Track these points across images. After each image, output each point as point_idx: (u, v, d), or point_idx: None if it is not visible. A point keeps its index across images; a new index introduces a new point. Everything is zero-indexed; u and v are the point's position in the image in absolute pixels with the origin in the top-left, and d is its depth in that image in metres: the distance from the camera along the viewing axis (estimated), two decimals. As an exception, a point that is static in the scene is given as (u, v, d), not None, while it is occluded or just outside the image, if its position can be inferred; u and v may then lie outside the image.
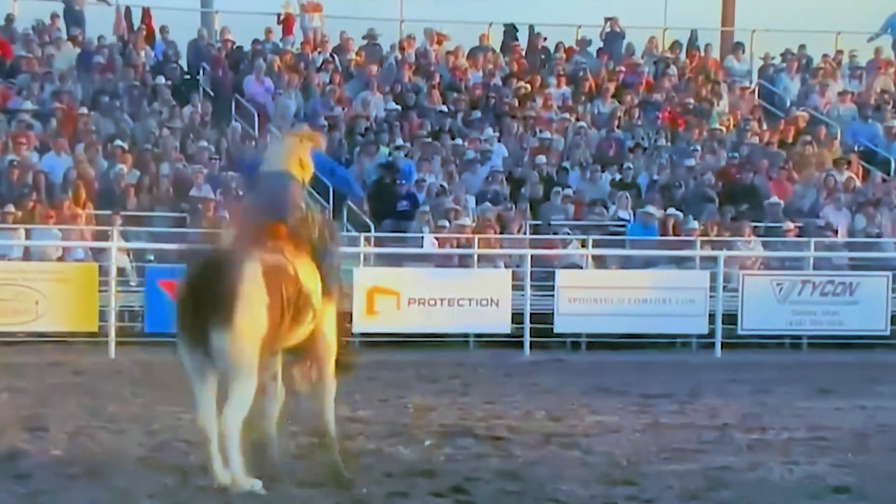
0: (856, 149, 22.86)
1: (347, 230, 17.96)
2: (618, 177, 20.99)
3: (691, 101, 23.60)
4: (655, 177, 21.04)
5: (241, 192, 9.05)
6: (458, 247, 18.64)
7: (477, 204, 19.83)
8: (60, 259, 17.42)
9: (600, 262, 18.70)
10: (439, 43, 24.46)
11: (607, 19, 25.50)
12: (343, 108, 22.10)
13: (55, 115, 20.41)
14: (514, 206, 19.69)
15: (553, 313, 17.66)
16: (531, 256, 17.74)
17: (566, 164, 21.28)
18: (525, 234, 19.32)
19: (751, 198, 20.62)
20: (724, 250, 18.47)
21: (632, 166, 21.11)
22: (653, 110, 23.25)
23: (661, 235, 19.19)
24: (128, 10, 24.06)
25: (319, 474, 8.75)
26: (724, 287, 17.91)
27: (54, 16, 23.28)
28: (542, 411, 11.96)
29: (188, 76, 23.06)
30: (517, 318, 17.47)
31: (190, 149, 20.39)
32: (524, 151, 21.53)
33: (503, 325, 17.57)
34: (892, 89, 24.71)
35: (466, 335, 17.76)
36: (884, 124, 23.29)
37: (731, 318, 17.88)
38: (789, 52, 25.34)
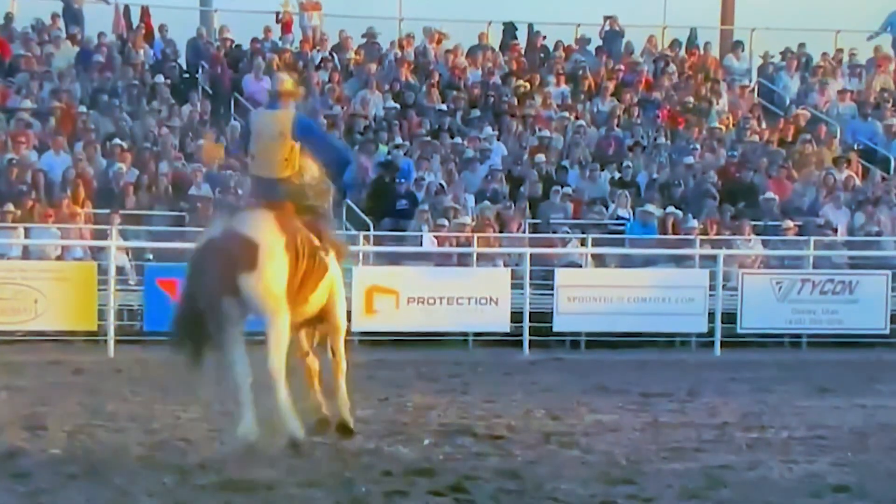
0: (855, 147, 22.88)
1: (347, 229, 17.95)
2: (617, 175, 20.99)
3: (691, 99, 23.60)
4: (655, 175, 21.05)
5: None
6: (457, 245, 18.64)
7: (476, 203, 19.83)
8: (59, 258, 17.42)
9: (600, 260, 18.70)
10: (438, 41, 24.46)
11: (606, 18, 25.50)
12: (342, 107, 22.10)
13: (54, 114, 20.41)
14: (513, 205, 19.69)
15: (552, 312, 17.66)
16: (530, 255, 17.74)
17: (565, 162, 21.28)
18: (524, 232, 19.32)
19: (750, 196, 20.62)
20: (723, 249, 18.47)
21: (631, 165, 21.11)
22: (652, 109, 23.25)
23: (661, 234, 19.19)
24: (127, 8, 24.06)
25: (323, 467, 8.78)
26: (723, 286, 17.91)
27: (54, 15, 23.27)
28: (541, 410, 11.95)
29: (187, 75, 23.07)
30: (516, 316, 17.46)
31: (189, 147, 20.40)
32: (523, 150, 21.53)
33: (502, 324, 17.57)
34: (892, 88, 24.72)
35: (466, 334, 17.75)
36: (883, 122, 23.31)
37: (730, 317, 17.88)
38: (789, 51, 25.34)
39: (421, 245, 18.55)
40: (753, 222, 19.59)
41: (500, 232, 19.06)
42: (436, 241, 18.59)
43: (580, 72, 24.01)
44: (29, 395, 12.27)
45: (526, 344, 17.34)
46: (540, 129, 22.07)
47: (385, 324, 17.17)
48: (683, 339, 18.17)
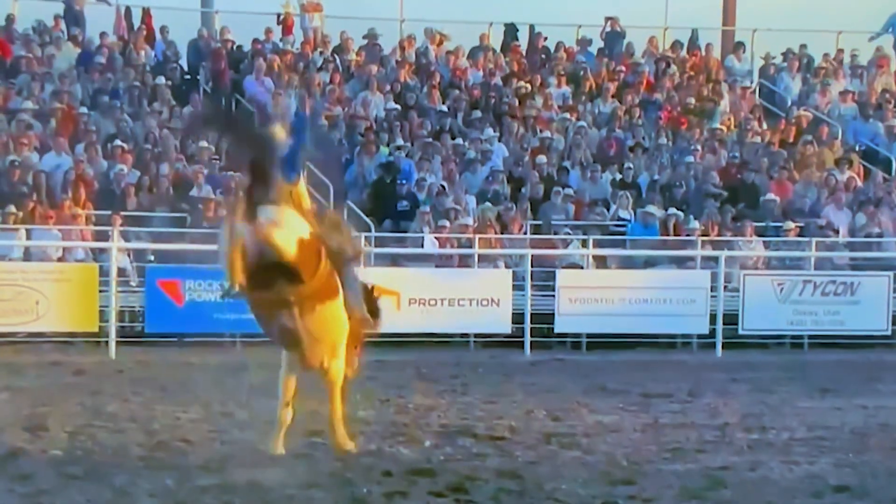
0: (857, 148, 22.86)
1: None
2: (618, 176, 20.98)
3: (692, 100, 23.58)
4: (656, 176, 21.04)
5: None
6: (458, 247, 18.63)
7: (477, 204, 19.81)
8: (61, 259, 17.41)
9: (601, 261, 18.69)
10: (440, 43, 24.45)
11: (608, 19, 25.48)
12: (343, 108, 22.08)
13: (55, 115, 20.39)
14: (514, 206, 19.67)
15: (553, 313, 17.66)
16: (531, 256, 17.74)
17: (567, 163, 21.27)
18: (525, 233, 19.31)
19: (751, 198, 20.62)
20: (724, 250, 18.46)
21: (632, 166, 21.10)
22: (653, 110, 23.24)
23: (662, 235, 19.19)
24: (128, 10, 24.05)
25: (323, 467, 8.78)
26: (724, 287, 17.90)
27: (55, 16, 23.26)
28: (542, 411, 11.97)
29: (188, 76, 23.04)
30: (517, 317, 17.46)
31: (190, 149, 20.38)
32: (524, 151, 21.52)
33: (504, 325, 17.57)
34: (894, 88, 24.68)
35: (467, 335, 17.74)
36: (885, 124, 23.29)
37: (731, 318, 17.87)
38: (790, 52, 25.31)
39: (422, 246, 18.54)
40: (755, 223, 19.57)
41: (502, 233, 19.05)
42: (437, 242, 18.59)
43: (581, 73, 24.00)
44: (30, 395, 12.28)
45: (527, 345, 17.33)
46: (541, 131, 22.06)
47: (386, 325, 17.10)
48: (685, 340, 18.17)
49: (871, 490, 8.80)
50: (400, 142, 21.12)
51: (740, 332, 17.96)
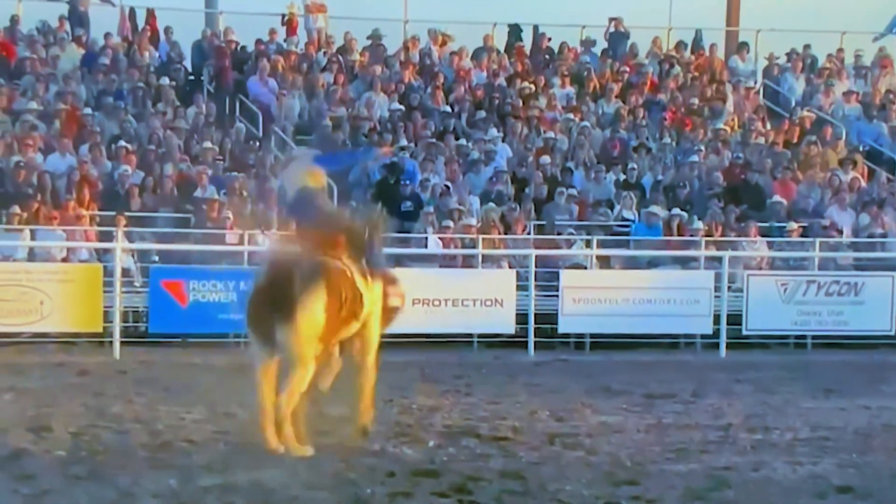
0: (861, 149, 22.85)
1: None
2: (622, 177, 20.98)
3: (696, 101, 23.57)
4: (660, 177, 21.04)
5: (287, 215, 10.76)
6: (462, 247, 18.63)
7: (481, 204, 19.81)
8: (65, 260, 17.42)
9: (605, 262, 18.68)
10: (443, 43, 24.46)
11: (611, 19, 25.48)
12: (347, 109, 22.10)
13: (59, 116, 20.43)
14: (518, 207, 19.67)
15: (557, 313, 17.64)
16: (535, 257, 17.73)
17: (570, 164, 21.27)
18: (529, 234, 19.31)
19: (755, 198, 20.61)
20: (728, 250, 18.45)
21: (636, 166, 21.10)
22: (657, 110, 23.24)
23: (666, 235, 19.18)
24: (132, 11, 24.08)
25: (327, 468, 8.79)
26: (728, 287, 17.88)
27: (59, 17, 23.29)
28: (545, 411, 11.96)
29: (192, 77, 23.07)
30: (521, 318, 17.45)
31: (194, 149, 20.41)
32: (528, 152, 21.53)
33: (507, 326, 17.56)
34: (898, 89, 24.69)
35: (470, 335, 17.73)
36: (889, 124, 23.29)
37: (735, 319, 17.84)
38: (794, 52, 25.32)
39: (426, 247, 18.54)
40: (758, 224, 19.57)
41: (505, 233, 19.05)
42: (440, 242, 18.59)
43: (585, 73, 24.01)
44: (34, 396, 12.28)
45: (531, 345, 17.33)
46: (545, 131, 22.07)
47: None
48: (688, 341, 18.16)
49: (875, 491, 8.80)
50: (404, 142, 21.14)
51: (744, 332, 17.94)
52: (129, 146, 19.82)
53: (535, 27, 25.47)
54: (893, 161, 22.47)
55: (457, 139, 21.60)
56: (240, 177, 19.40)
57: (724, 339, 17.57)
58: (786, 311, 18.03)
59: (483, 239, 18.44)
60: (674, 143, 22.31)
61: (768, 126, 23.38)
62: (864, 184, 21.43)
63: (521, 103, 22.81)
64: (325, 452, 9.47)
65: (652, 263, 18.76)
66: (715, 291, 17.78)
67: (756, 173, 21.16)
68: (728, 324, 17.65)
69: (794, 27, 26.24)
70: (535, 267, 17.62)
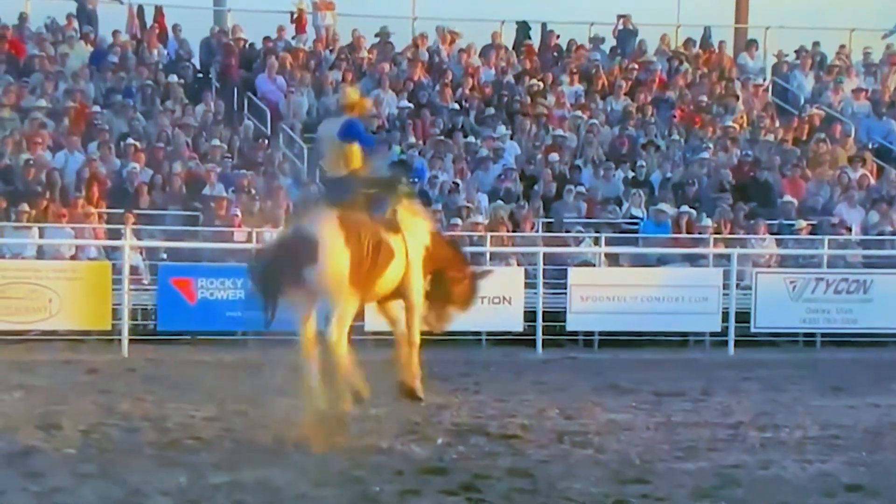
0: (870, 146, 22.81)
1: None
2: (631, 174, 20.96)
3: (704, 98, 23.54)
4: (668, 174, 21.01)
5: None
6: (470, 245, 18.59)
7: (489, 202, 19.82)
8: (74, 258, 17.45)
9: (613, 259, 18.67)
10: (452, 41, 24.45)
11: (620, 16, 25.46)
12: (355, 107, 22.05)
13: (68, 114, 20.45)
14: (526, 204, 19.66)
15: (565, 311, 17.63)
16: (544, 254, 17.71)
17: (579, 161, 21.26)
18: (538, 231, 19.31)
19: (764, 195, 20.58)
20: (737, 248, 18.43)
21: (645, 164, 21.09)
22: (666, 108, 23.21)
23: (675, 233, 19.16)
24: (140, 8, 24.10)
25: (335, 466, 8.78)
26: (737, 285, 17.86)
27: (68, 15, 23.32)
28: (554, 409, 11.96)
29: (200, 74, 23.09)
30: (530, 316, 17.43)
31: (202, 147, 20.43)
32: (537, 149, 21.51)
33: (516, 323, 17.55)
34: (906, 86, 24.64)
35: (479, 333, 17.71)
36: (898, 121, 23.24)
37: (744, 316, 17.82)
38: (803, 49, 25.27)
39: (434, 244, 18.50)
40: (767, 221, 19.54)
41: (514, 231, 19.04)
42: (449, 240, 18.56)
43: (594, 71, 23.99)
44: (43, 394, 12.31)
45: (539, 343, 17.32)
46: (553, 129, 22.05)
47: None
48: (697, 339, 18.13)
49: (884, 489, 8.79)
50: (412, 140, 21.14)
51: (753, 330, 17.91)
52: (137, 144, 19.85)
53: (544, 24, 25.45)
54: (902, 158, 22.43)
55: (465, 137, 21.59)
56: (248, 174, 19.44)
57: (732, 337, 17.56)
58: (795, 309, 18.00)
59: (491, 236, 18.44)
60: (682, 141, 22.29)
61: (777, 123, 23.34)
62: (873, 181, 21.39)
63: (529, 101, 22.80)
64: (333, 450, 9.47)
65: (660, 261, 18.74)
66: (723, 289, 17.75)
67: (765, 171, 21.13)
68: (737, 321, 17.64)
69: (802, 24, 26.22)
70: (544, 264, 17.59)
